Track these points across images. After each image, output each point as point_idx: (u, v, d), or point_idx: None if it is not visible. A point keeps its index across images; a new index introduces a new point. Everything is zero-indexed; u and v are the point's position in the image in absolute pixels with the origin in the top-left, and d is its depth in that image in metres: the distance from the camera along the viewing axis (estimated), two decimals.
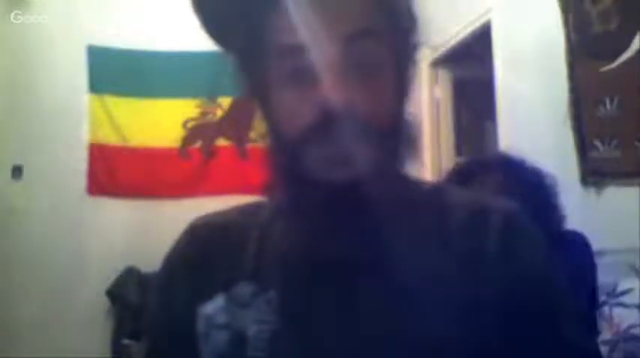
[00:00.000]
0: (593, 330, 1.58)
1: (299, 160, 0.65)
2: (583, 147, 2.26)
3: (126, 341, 3.70)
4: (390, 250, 0.67)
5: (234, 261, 0.73)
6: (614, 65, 2.10)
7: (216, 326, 0.70)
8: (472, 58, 3.44)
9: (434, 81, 3.79)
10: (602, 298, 1.70)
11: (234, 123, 4.18)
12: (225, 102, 4.27)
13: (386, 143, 0.66)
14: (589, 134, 2.24)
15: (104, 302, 3.98)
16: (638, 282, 1.77)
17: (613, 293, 1.74)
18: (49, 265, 3.94)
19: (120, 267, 3.99)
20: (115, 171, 4.21)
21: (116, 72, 4.19)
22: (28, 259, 3.92)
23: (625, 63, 2.06)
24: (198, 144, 4.32)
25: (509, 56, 2.88)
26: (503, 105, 2.93)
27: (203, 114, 4.34)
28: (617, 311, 1.75)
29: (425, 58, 3.58)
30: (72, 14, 4.10)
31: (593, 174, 2.22)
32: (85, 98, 4.17)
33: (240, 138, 4.19)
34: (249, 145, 4.14)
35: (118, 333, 3.84)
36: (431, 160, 3.64)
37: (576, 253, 1.56)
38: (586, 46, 2.25)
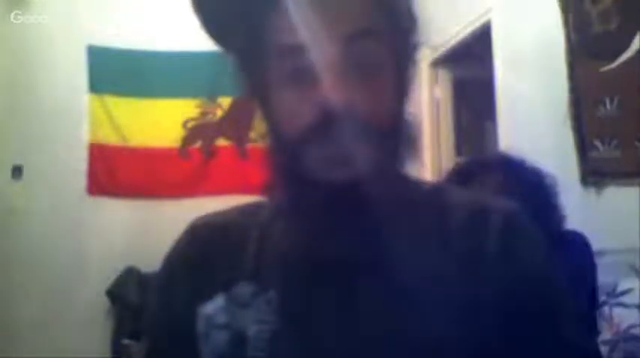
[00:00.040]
0: (593, 330, 1.58)
1: (299, 160, 0.65)
2: (583, 147, 2.26)
3: (126, 341, 3.70)
4: (390, 250, 0.67)
5: (234, 261, 0.73)
6: (614, 65, 2.10)
7: (216, 326, 0.70)
8: (472, 58, 3.44)
9: (434, 81, 3.79)
10: (602, 298, 1.70)
11: (234, 123, 4.18)
12: (225, 102, 4.27)
13: (386, 143, 0.66)
14: (589, 134, 2.24)
15: (104, 302, 3.98)
16: (638, 282, 1.77)
17: (613, 293, 1.74)
18: (49, 265, 3.94)
19: (120, 266, 3.99)
20: (115, 171, 4.21)
21: (116, 72, 4.19)
22: (28, 259, 3.92)
23: (625, 63, 2.06)
24: (198, 144, 4.32)
25: (509, 56, 2.88)
26: (503, 105, 2.93)
27: (203, 114, 4.34)
28: (617, 311, 1.75)
29: (425, 58, 3.58)
30: (72, 14, 4.10)
31: (593, 174, 2.22)
32: (85, 98, 4.17)
33: (240, 138, 4.19)
34: (249, 145, 4.14)
35: (118, 333, 3.84)
36: (431, 160, 3.64)
37: (576, 253, 1.56)
38: (586, 46, 2.25)
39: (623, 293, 1.74)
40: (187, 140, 4.30)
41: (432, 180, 1.76)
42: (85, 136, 4.17)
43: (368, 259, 0.67)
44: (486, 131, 3.59)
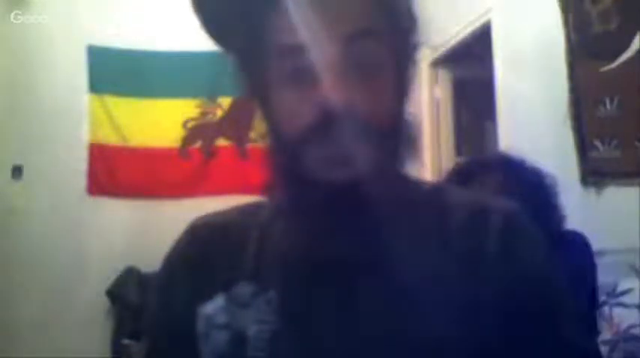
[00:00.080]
0: (593, 330, 1.58)
1: (299, 160, 0.65)
2: (583, 147, 2.26)
3: (126, 341, 3.70)
4: (390, 250, 0.67)
5: (234, 261, 0.73)
6: (614, 65, 2.10)
7: (216, 326, 0.70)
8: (472, 58, 3.44)
9: (434, 81, 3.79)
10: (602, 298, 1.70)
11: (234, 123, 4.18)
12: (225, 102, 4.27)
13: (386, 143, 0.66)
14: (589, 134, 2.24)
15: (104, 302, 3.98)
16: (638, 282, 1.77)
17: (613, 293, 1.74)
18: (49, 265, 3.94)
19: (120, 266, 3.99)
20: (115, 171, 4.21)
21: (116, 72, 4.19)
22: (28, 259, 3.92)
23: (625, 63, 2.06)
24: (198, 144, 4.32)
25: (509, 56, 2.88)
26: (503, 105, 2.93)
27: (203, 114, 4.34)
28: (617, 311, 1.75)
29: (425, 58, 3.58)
30: (72, 14, 4.10)
31: (593, 174, 2.22)
32: (85, 98, 4.17)
33: (240, 138, 4.19)
34: (249, 145, 4.14)
35: (118, 333, 3.84)
36: (431, 160, 3.64)
37: (576, 253, 1.56)
38: (586, 46, 2.25)
39: (623, 293, 1.74)
40: (187, 140, 4.30)
41: (432, 180, 1.76)
42: (85, 136, 4.17)
43: (368, 259, 0.67)
44: (486, 131, 3.59)
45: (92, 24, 4.13)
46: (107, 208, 4.14)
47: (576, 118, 2.28)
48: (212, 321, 0.70)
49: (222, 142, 4.33)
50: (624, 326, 1.74)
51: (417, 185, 0.76)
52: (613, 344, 1.70)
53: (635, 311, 1.75)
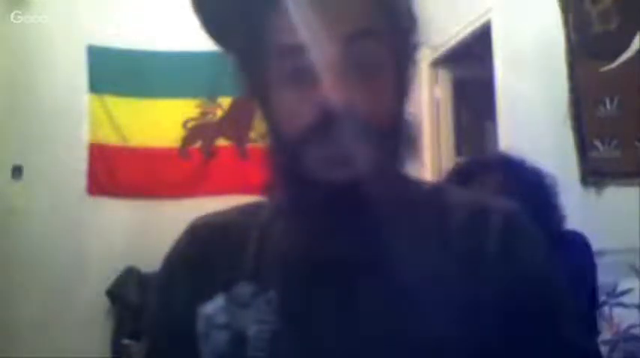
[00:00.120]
0: (593, 330, 1.58)
1: (299, 160, 0.65)
2: (583, 147, 2.26)
3: (126, 341, 3.70)
4: (390, 250, 0.67)
5: (234, 261, 0.73)
6: (614, 65, 2.10)
7: (216, 326, 0.70)
8: (472, 58, 3.44)
9: (434, 81, 3.79)
10: (602, 298, 1.70)
11: (234, 123, 4.18)
12: (225, 102, 4.27)
13: (386, 143, 0.66)
14: (589, 134, 2.24)
15: (104, 302, 3.98)
16: (638, 282, 1.77)
17: (613, 293, 1.74)
18: (49, 265, 3.94)
19: (120, 266, 3.99)
20: (115, 171, 4.21)
21: (116, 72, 4.19)
22: (28, 259, 3.92)
23: (625, 63, 2.06)
24: (198, 144, 4.32)
25: (509, 56, 2.88)
26: (503, 105, 2.93)
27: (203, 114, 4.34)
28: (617, 311, 1.75)
29: (425, 58, 3.58)
30: (72, 14, 4.10)
31: (593, 174, 2.22)
32: (85, 98, 4.17)
33: (240, 138, 4.19)
34: (249, 145, 4.14)
35: (118, 333, 3.84)
36: (431, 160, 3.64)
37: (576, 253, 1.56)
38: (586, 46, 2.25)
39: (623, 293, 1.74)
40: (187, 140, 4.30)
41: (432, 180, 1.76)
42: (85, 136, 4.17)
43: (368, 259, 0.67)
44: (486, 131, 3.59)
45: (92, 24, 4.13)
46: (107, 208, 4.14)
47: (576, 118, 2.28)
48: (212, 321, 0.70)
49: (222, 142, 4.33)
50: (624, 326, 1.74)
51: (417, 185, 0.76)
52: (613, 344, 1.70)
53: (635, 311, 1.75)
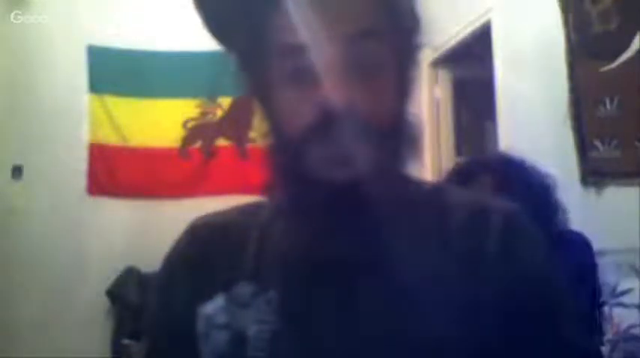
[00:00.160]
0: (596, 330, 1.58)
1: (299, 160, 0.65)
2: (583, 147, 2.26)
3: (126, 341, 3.70)
4: (390, 250, 0.67)
5: (234, 261, 0.73)
6: (614, 65, 2.10)
7: (216, 326, 0.69)
8: (472, 58, 3.44)
9: (434, 81, 3.79)
10: (602, 298, 1.70)
11: (234, 123, 4.18)
12: (225, 102, 4.27)
13: (386, 143, 0.66)
14: (589, 134, 2.24)
15: (104, 302, 3.98)
16: (638, 282, 1.77)
17: (613, 293, 1.74)
18: (49, 265, 3.94)
19: (120, 266, 3.99)
20: (115, 171, 4.21)
21: (116, 72, 4.20)
22: (28, 259, 3.92)
23: (625, 63, 2.06)
24: (198, 144, 4.32)
25: (509, 56, 2.88)
26: (503, 105, 2.93)
27: (203, 114, 4.34)
28: (617, 311, 1.75)
29: (425, 58, 3.58)
30: (72, 14, 4.10)
31: (593, 174, 2.22)
32: (85, 98, 4.17)
33: (240, 138, 4.19)
34: (249, 145, 4.14)
35: (118, 333, 3.84)
36: (431, 160, 3.64)
37: (576, 253, 1.56)
38: (586, 46, 2.25)
39: (623, 293, 1.74)
40: (187, 140, 4.30)
41: (432, 180, 1.76)
42: (85, 136, 4.17)
43: (368, 259, 0.67)
44: (486, 131, 3.59)
45: (92, 24, 4.13)
46: (107, 208, 4.14)
47: (576, 118, 2.29)
48: (212, 321, 0.70)
49: (222, 142, 4.33)
50: (624, 326, 1.74)
51: (417, 185, 0.76)
52: (613, 344, 1.70)
53: (635, 311, 1.75)
